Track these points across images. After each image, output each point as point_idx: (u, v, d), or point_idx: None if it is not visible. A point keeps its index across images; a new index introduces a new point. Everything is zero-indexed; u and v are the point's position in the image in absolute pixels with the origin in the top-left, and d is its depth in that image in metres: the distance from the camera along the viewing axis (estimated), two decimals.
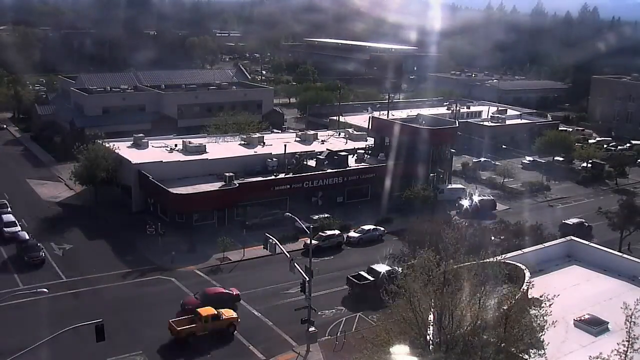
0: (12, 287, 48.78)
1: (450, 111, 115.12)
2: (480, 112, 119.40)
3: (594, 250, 40.83)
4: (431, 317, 25.98)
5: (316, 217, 64.26)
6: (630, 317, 24.45)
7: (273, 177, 70.97)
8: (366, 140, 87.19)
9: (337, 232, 62.79)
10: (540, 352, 25.91)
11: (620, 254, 43.24)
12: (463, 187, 79.64)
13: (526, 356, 25.81)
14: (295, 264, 43.94)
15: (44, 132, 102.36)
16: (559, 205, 79.36)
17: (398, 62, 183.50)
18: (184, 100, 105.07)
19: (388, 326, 27.26)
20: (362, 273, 51.92)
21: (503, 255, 31.27)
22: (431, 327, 25.75)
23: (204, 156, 73.42)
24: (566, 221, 65.47)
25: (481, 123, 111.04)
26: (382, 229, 64.92)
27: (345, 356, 40.40)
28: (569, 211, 76.38)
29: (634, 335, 24.44)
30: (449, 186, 78.42)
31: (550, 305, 26.08)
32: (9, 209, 65.19)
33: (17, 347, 33.00)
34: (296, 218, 49.00)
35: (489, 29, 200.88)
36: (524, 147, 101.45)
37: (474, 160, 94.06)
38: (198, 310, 44.27)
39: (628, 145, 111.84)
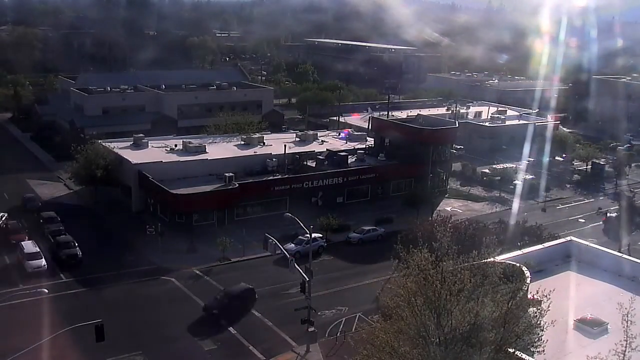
0: (12, 287, 48.86)
1: (450, 112, 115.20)
2: (480, 113, 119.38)
3: (593, 250, 40.84)
4: (430, 316, 25.97)
5: None
6: (627, 316, 24.51)
7: (273, 177, 71.00)
8: (366, 141, 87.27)
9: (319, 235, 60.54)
10: (539, 351, 25.95)
11: (620, 254, 43.26)
12: None
13: (525, 355, 25.83)
14: (295, 264, 43.98)
15: (44, 132, 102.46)
16: (558, 206, 79.35)
17: (398, 62, 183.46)
18: (184, 100, 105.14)
19: (386, 326, 27.27)
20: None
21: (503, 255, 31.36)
22: (430, 327, 25.75)
23: (203, 156, 73.46)
24: None
25: (481, 123, 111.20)
26: (382, 229, 64.92)
27: (344, 356, 40.43)
28: (565, 213, 76.56)
29: (632, 334, 24.50)
30: None
31: (549, 304, 26.10)
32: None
33: (17, 347, 33.03)
34: (296, 219, 48.93)
35: (489, 29, 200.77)
36: (524, 147, 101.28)
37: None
38: None
39: (628, 145, 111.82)
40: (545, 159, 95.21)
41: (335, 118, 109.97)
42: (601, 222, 69.79)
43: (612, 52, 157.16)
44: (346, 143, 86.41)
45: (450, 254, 26.56)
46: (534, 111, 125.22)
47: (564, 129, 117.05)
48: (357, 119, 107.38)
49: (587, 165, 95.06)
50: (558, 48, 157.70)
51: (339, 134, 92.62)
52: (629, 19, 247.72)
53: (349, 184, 74.09)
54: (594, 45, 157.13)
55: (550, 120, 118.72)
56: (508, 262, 34.21)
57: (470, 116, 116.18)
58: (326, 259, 58.98)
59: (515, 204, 77.64)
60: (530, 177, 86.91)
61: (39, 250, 54.20)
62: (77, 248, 55.96)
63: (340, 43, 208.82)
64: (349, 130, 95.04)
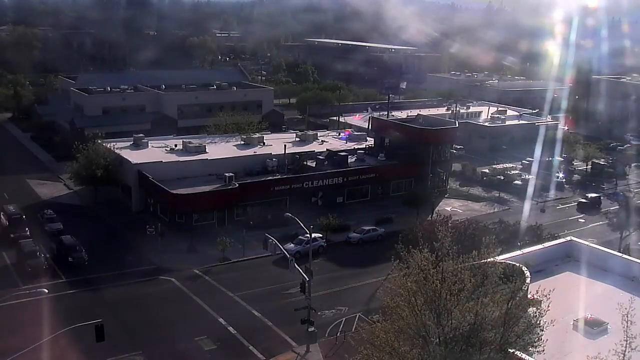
0: (12, 287, 48.85)
1: (450, 112, 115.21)
2: (480, 113, 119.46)
3: (593, 250, 40.84)
4: (430, 316, 25.99)
5: None
6: (627, 316, 24.53)
7: (273, 177, 70.95)
8: (366, 141, 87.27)
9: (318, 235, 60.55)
10: (539, 351, 25.95)
11: (620, 254, 43.26)
12: None
13: (525, 355, 25.85)
14: (295, 264, 43.99)
15: (44, 132, 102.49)
16: (558, 206, 79.33)
17: (398, 62, 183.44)
18: (184, 100, 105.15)
19: (386, 326, 27.27)
20: None
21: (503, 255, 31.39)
22: (430, 327, 25.77)
23: (203, 156, 73.45)
24: None
25: (481, 123, 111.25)
26: (382, 229, 64.88)
27: (345, 356, 40.40)
28: (565, 213, 76.53)
29: (631, 334, 24.51)
30: None
31: (548, 304, 26.10)
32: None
33: (17, 347, 33.02)
34: (296, 219, 48.89)
35: (489, 29, 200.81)
36: (524, 147, 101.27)
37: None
38: None
39: (628, 145, 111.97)
40: (548, 159, 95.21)
41: (335, 118, 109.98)
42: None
43: (613, 53, 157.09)
44: (346, 143, 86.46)
45: (450, 254, 26.56)
46: (534, 111, 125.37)
47: (564, 128, 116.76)
48: (359, 121, 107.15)
49: (587, 165, 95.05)
50: (558, 48, 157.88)
51: (339, 134, 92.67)
52: (633, 19, 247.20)
53: (349, 184, 74.08)
54: (595, 46, 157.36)
55: (550, 120, 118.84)
56: (508, 262, 34.22)
57: (481, 118, 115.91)
58: (326, 259, 58.94)
59: (515, 204, 77.77)
60: (530, 177, 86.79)
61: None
62: (84, 252, 55.62)
63: (340, 43, 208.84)
64: (350, 131, 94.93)
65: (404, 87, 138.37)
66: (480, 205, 77.23)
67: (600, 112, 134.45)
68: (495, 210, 74.98)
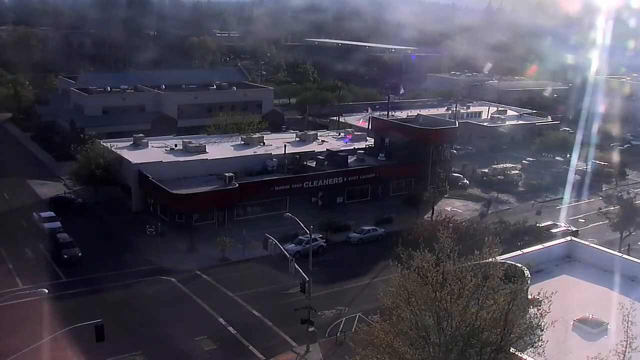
0: (12, 287, 48.83)
1: (450, 112, 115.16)
2: (480, 113, 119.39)
3: (594, 250, 40.85)
4: (430, 317, 25.95)
5: None
6: (627, 317, 24.53)
7: (273, 177, 70.90)
8: (366, 141, 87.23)
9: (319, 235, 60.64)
10: (539, 351, 25.94)
11: (620, 254, 43.26)
12: None
13: (525, 356, 25.82)
14: (295, 264, 43.99)
15: (44, 132, 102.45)
16: (558, 206, 79.19)
17: (398, 62, 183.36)
18: (184, 100, 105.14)
19: (386, 327, 27.25)
20: None
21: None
22: (430, 328, 25.73)
23: (203, 156, 73.45)
24: None
25: (481, 123, 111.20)
26: (382, 229, 64.83)
27: (344, 356, 40.41)
28: (565, 213, 76.52)
29: (632, 334, 24.50)
30: None
31: (549, 305, 26.08)
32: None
33: (17, 347, 33.02)
34: (296, 218, 48.93)
35: (489, 29, 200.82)
36: (524, 147, 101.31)
37: None
38: None
39: (628, 145, 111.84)
40: (545, 159, 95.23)
41: (335, 118, 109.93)
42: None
43: (613, 52, 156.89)
44: (346, 144, 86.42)
45: (452, 255, 26.50)
46: (534, 111, 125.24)
47: (567, 129, 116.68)
48: (363, 125, 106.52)
49: (586, 166, 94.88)
50: (558, 48, 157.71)
51: (339, 134, 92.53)
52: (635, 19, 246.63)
53: (349, 184, 74.06)
54: (596, 45, 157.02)
55: (550, 120, 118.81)
56: (508, 262, 34.21)
57: (470, 116, 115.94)
58: (326, 259, 58.92)
59: (514, 205, 77.73)
60: (529, 177, 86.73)
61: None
62: (77, 248, 56.45)
63: (340, 43, 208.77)
64: (352, 133, 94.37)
65: (402, 91, 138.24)
66: (479, 205, 77.09)
67: (600, 112, 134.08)
68: (493, 211, 74.74)
